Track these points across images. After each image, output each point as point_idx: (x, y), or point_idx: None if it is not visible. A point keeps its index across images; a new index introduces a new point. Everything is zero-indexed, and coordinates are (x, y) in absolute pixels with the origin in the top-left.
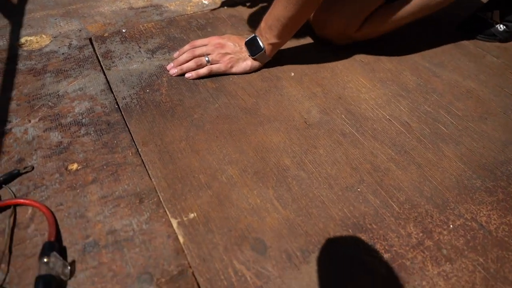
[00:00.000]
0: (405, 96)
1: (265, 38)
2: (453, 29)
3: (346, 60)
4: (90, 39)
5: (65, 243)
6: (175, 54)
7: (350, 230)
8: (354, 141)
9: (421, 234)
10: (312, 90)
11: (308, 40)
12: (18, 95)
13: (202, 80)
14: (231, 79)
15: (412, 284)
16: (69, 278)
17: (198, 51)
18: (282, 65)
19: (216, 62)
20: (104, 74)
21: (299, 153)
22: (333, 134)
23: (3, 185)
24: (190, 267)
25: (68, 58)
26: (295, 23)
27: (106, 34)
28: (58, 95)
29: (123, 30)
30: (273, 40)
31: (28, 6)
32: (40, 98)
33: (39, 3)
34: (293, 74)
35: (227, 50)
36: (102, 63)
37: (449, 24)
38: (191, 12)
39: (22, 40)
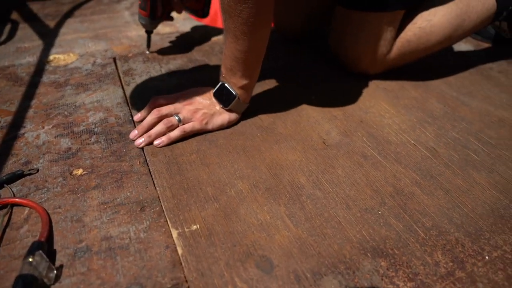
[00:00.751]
0: (431, 122)
1: (233, 83)
2: (482, 60)
3: (369, 87)
4: (114, 58)
5: (56, 246)
6: (136, 117)
7: (368, 254)
8: (376, 164)
9: (451, 264)
10: (332, 113)
11: (329, 65)
12: (37, 104)
13: None
14: None
15: None
16: (53, 283)
17: (165, 110)
18: (302, 88)
19: (189, 121)
20: (123, 89)
21: (316, 172)
22: (353, 156)
23: (5, 185)
24: (186, 281)
25: (90, 74)
26: (255, 52)
27: (130, 55)
28: (75, 105)
29: (147, 52)
30: (242, 82)
31: (62, 30)
32: (57, 108)
33: (72, 28)
34: (313, 97)
35: (197, 106)
36: (122, 79)
37: (477, 56)
38: (215, 39)
39: (51, 57)
